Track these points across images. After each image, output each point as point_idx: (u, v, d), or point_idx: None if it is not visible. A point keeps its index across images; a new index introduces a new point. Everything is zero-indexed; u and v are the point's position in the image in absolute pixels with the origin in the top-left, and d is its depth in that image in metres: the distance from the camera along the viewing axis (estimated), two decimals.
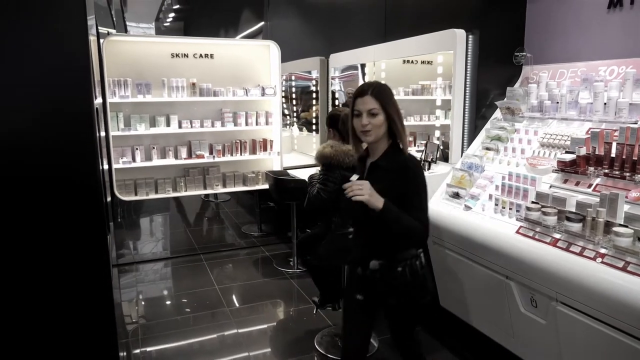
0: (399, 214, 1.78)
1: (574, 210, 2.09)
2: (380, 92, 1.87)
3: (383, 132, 1.88)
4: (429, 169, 3.24)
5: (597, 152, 2.19)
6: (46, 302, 2.09)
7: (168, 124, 4.52)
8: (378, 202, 1.76)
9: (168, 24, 12.25)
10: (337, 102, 4.91)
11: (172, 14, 11.63)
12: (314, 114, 5.36)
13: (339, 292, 3.09)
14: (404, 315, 2.10)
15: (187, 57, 4.62)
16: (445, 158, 3.30)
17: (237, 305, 3.68)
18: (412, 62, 4.10)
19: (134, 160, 4.40)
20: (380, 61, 4.14)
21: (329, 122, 2.78)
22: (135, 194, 4.46)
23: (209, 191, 4.76)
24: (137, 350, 3.04)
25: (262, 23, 7.46)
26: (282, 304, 3.75)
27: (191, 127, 4.54)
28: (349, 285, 2.17)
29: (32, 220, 2.01)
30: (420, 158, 3.28)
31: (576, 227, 2.03)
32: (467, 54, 3.10)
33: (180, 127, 4.51)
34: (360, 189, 1.75)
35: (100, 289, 2.19)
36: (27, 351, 2.09)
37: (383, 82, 4.11)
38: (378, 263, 1.92)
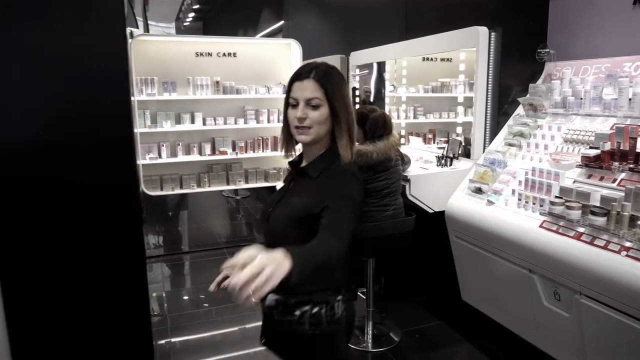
0: (310, 255, 1.14)
1: (598, 204, 2.11)
2: (325, 76, 1.38)
3: (325, 131, 1.39)
4: (450, 164, 3.28)
5: (621, 147, 2.21)
6: (88, 291, 2.20)
7: (193, 121, 4.64)
8: (282, 272, 1.02)
9: (188, 23, 12.43)
10: (356, 100, 4.96)
11: (191, 14, 11.80)
12: None
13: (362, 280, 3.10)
14: None
15: (211, 55, 4.72)
16: (467, 154, 3.33)
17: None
18: (431, 59, 4.13)
19: (159, 156, 4.52)
20: (401, 59, 4.18)
21: (357, 120, 2.83)
22: (161, 189, 4.59)
23: (231, 187, 4.86)
24: (163, 341, 3.14)
25: (281, 22, 7.54)
26: None
27: (215, 124, 4.64)
28: None
29: (75, 214, 2.12)
30: (442, 154, 3.32)
31: (601, 221, 2.06)
32: (489, 51, 3.12)
33: (204, 124, 4.62)
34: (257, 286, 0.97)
35: (136, 280, 2.29)
36: (70, 337, 2.20)
37: (404, 79, 4.24)
38: (274, 299, 1.38)
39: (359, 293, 3.34)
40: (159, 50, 4.54)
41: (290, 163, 1.51)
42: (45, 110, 2.02)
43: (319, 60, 1.54)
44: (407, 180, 3.00)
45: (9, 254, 2.05)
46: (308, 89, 1.37)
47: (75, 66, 2.03)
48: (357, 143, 2.68)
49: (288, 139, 1.46)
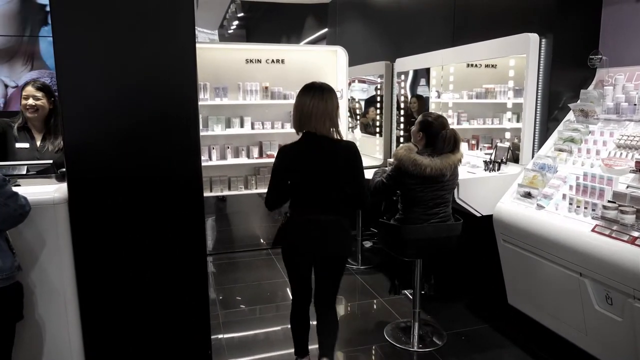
0: None
1: None
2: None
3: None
4: (498, 169, 3.31)
5: None
6: (154, 284, 2.34)
7: (242, 125, 4.83)
8: None
9: (232, 31, 12.81)
10: (401, 106, 5.04)
11: (235, 22, 12.17)
12: (377, 117, 5.51)
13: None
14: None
15: (260, 62, 4.91)
16: (515, 159, 3.36)
17: None
18: (475, 65, 4.16)
19: (210, 158, 4.73)
20: (448, 65, 4.23)
21: (421, 127, 2.81)
22: (210, 191, 4.79)
23: None
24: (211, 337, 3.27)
25: (325, 29, 7.70)
26: (348, 297, 3.91)
27: (263, 128, 4.82)
28: None
29: (145, 211, 2.26)
30: (490, 159, 3.36)
31: None
32: (539, 58, 3.15)
33: (252, 128, 4.81)
34: None
35: (198, 275, 2.41)
36: (135, 324, 2.36)
37: (450, 85, 4.28)
38: None
39: (406, 292, 3.41)
40: (212, 57, 4.77)
41: None
42: (119, 114, 2.18)
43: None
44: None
45: (86, 246, 2.22)
46: None
47: (148, 74, 2.19)
48: (415, 149, 2.75)
49: None
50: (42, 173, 2.49)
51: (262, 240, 5.28)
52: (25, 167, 2.52)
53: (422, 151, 2.75)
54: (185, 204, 2.32)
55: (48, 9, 2.05)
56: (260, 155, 4.91)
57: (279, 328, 3.38)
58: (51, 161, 2.59)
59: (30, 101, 2.91)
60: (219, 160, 4.79)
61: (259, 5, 9.71)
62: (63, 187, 2.23)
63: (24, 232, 2.12)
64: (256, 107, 4.89)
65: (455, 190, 3.03)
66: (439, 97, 4.44)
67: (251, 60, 4.90)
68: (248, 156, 4.91)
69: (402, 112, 4.99)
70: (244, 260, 4.78)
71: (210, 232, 5.78)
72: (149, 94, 2.21)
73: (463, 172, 3.31)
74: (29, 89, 2.94)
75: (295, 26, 9.39)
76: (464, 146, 4.10)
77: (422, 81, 4.69)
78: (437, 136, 2.72)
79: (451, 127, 2.79)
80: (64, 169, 2.22)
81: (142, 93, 2.21)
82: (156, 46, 2.19)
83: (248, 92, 4.75)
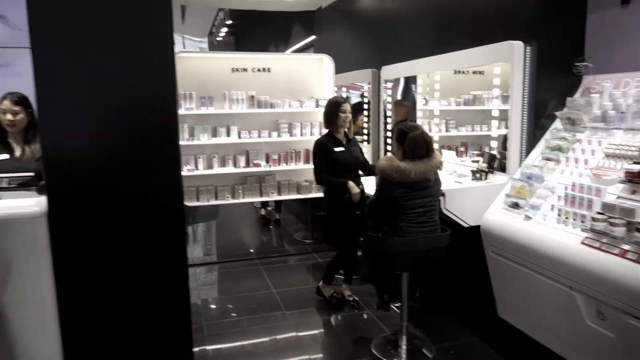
0: None
1: None
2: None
3: None
4: (486, 178, 3.26)
5: None
6: (134, 296, 2.28)
7: (228, 134, 4.76)
8: None
9: (220, 38, 12.75)
10: (388, 113, 4.99)
11: (224, 29, 12.11)
12: (364, 125, 5.46)
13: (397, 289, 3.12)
14: None
15: (246, 71, 4.86)
16: (502, 168, 3.31)
17: (291, 309, 3.79)
18: (463, 72, 4.12)
19: (196, 168, 4.65)
20: (434, 73, 4.19)
21: (397, 137, 2.88)
22: (197, 200, 4.70)
23: (264, 198, 4.95)
24: (196, 349, 3.19)
25: (312, 37, 7.66)
26: (334, 309, 3.82)
27: (249, 137, 4.75)
28: None
29: (128, 220, 2.20)
30: (477, 168, 3.31)
31: None
32: (524, 65, 3.11)
33: (239, 137, 4.74)
34: None
35: (179, 285, 2.35)
36: (116, 335, 2.28)
37: (436, 93, 4.24)
38: None
39: (393, 307, 3.34)
40: (197, 66, 4.70)
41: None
42: (98, 125, 2.14)
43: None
44: (441, 194, 3.00)
45: (66, 260, 2.15)
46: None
47: (130, 83, 2.16)
48: (396, 159, 2.73)
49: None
50: (24, 186, 2.43)
51: (251, 250, 5.19)
52: (7, 179, 2.48)
53: (402, 159, 2.76)
54: (167, 215, 2.26)
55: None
56: (247, 164, 4.84)
57: (267, 339, 3.31)
58: (33, 173, 2.51)
59: (9, 116, 2.86)
60: (206, 170, 4.71)
61: (247, 12, 9.66)
62: (43, 200, 2.16)
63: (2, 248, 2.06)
64: (242, 116, 4.82)
65: (442, 200, 2.98)
66: (426, 104, 4.40)
67: (237, 69, 4.84)
68: (235, 165, 4.84)
69: (389, 119, 4.94)
70: (231, 271, 4.69)
71: (198, 242, 5.70)
72: (128, 105, 2.16)
73: (450, 182, 3.26)
74: (7, 104, 2.89)
75: (283, 33, 9.35)
76: (451, 154, 4.07)
77: (408, 88, 4.64)
78: (409, 144, 2.76)
79: (430, 133, 2.86)
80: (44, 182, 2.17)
81: (121, 104, 2.15)
82: (135, 55, 2.15)
83: (234, 100, 4.68)
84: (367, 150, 5.48)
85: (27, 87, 3.03)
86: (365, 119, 5.41)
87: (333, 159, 3.44)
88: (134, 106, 2.17)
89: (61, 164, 2.12)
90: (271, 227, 6.28)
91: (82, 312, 2.21)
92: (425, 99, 4.41)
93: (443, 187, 3.01)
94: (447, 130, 4.32)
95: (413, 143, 2.75)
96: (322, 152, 3.48)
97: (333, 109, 3.52)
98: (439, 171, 2.84)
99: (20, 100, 2.93)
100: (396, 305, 3.28)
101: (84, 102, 2.11)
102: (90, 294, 2.21)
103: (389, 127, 4.88)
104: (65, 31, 2.04)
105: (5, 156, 2.88)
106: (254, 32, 11.24)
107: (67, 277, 2.17)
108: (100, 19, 2.08)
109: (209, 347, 3.22)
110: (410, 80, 4.61)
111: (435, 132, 4.30)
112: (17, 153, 2.91)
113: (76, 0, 2.04)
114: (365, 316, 3.62)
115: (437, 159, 2.81)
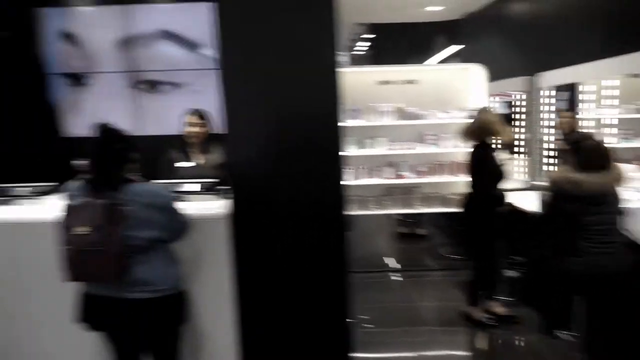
0: None
1: None
2: None
3: None
4: None
5: None
6: (300, 300, 2.51)
7: (376, 146, 4.85)
8: None
9: (360, 52, 13.10)
10: (547, 123, 4.63)
11: (363, 43, 12.42)
12: (517, 137, 5.14)
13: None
14: None
15: (393, 83, 4.92)
16: None
17: (438, 325, 3.70)
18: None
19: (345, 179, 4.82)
20: (608, 78, 3.78)
21: (571, 147, 2.71)
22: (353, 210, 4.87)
23: (410, 210, 4.93)
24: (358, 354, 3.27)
25: (454, 46, 7.47)
26: (487, 329, 3.63)
27: (396, 148, 4.79)
28: None
29: (294, 227, 2.44)
30: None
31: None
32: None
33: (386, 148, 4.80)
34: None
35: (340, 288, 2.52)
36: (287, 337, 2.52)
37: (608, 100, 3.81)
38: None
39: (560, 334, 3.05)
40: (347, 80, 4.89)
41: None
42: (275, 141, 2.42)
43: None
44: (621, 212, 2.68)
45: (245, 258, 2.45)
46: None
47: (300, 103, 2.41)
48: (569, 171, 2.54)
49: None
50: (208, 191, 2.79)
51: (385, 261, 5.19)
52: (198, 184, 2.83)
53: (576, 171, 2.57)
54: (330, 223, 2.46)
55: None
56: (394, 175, 4.87)
57: (413, 354, 3.27)
58: (217, 179, 2.86)
59: (194, 129, 3.32)
60: (354, 181, 4.86)
61: (385, 25, 9.79)
62: (225, 203, 2.51)
63: (192, 244, 2.39)
64: (389, 128, 4.88)
65: (628, 221, 2.67)
66: (593, 113, 3.98)
67: (384, 82, 4.93)
68: (382, 176, 4.90)
69: (548, 130, 4.57)
70: (369, 282, 4.72)
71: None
72: (299, 122, 2.40)
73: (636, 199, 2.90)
74: (193, 118, 3.36)
75: (425, 44, 9.26)
76: (631, 168, 3.61)
77: (574, 95, 4.25)
78: (583, 154, 2.57)
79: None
80: (224, 187, 2.55)
81: (291, 119, 2.40)
82: (304, 75, 2.40)
83: (381, 113, 4.77)
84: (521, 163, 5.15)
85: (204, 104, 3.54)
86: (517, 130, 5.09)
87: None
88: (302, 122, 2.41)
89: (244, 174, 2.42)
90: (414, 240, 6.19)
91: (254, 306, 2.48)
92: (592, 107, 4.00)
93: (630, 205, 2.71)
94: (618, 142, 3.85)
95: (587, 153, 2.56)
96: (484, 162, 3.41)
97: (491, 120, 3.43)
98: (618, 186, 2.56)
99: (203, 116, 3.40)
100: (563, 332, 3.00)
101: (260, 119, 2.40)
102: (263, 290, 2.48)
103: (551, 138, 4.51)
104: (247, 58, 2.35)
105: (192, 164, 3.34)
106: (394, 44, 11.33)
107: (245, 274, 2.45)
108: (276, 46, 2.36)
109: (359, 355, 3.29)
110: (572, 88, 4.23)
111: (607, 144, 3.86)
112: (197, 162, 3.36)
113: (255, 31, 2.34)
114: (519, 339, 3.38)
115: (617, 173, 2.55)
